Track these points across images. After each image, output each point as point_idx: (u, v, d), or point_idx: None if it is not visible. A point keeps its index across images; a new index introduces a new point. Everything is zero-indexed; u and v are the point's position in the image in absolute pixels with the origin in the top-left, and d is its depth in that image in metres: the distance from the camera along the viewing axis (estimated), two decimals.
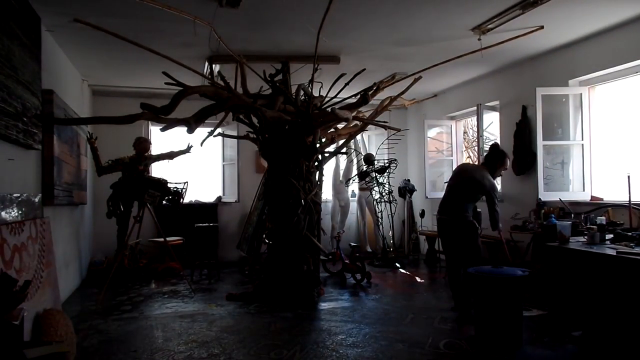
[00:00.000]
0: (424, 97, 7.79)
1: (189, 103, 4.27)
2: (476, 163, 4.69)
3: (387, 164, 7.38)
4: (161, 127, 3.96)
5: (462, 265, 4.21)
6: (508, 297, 3.49)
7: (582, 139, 5.26)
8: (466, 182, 4.30)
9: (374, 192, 7.61)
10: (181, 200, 5.91)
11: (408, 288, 5.64)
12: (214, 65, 5.45)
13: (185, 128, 4.03)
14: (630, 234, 3.70)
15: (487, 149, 4.69)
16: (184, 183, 5.95)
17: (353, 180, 7.88)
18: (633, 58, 4.50)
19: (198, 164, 8.05)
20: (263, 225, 6.47)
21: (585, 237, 3.77)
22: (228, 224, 7.73)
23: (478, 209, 5.90)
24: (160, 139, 7.34)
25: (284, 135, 5.07)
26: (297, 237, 5.02)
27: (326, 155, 5.65)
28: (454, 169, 5.48)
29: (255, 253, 6.57)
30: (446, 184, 4.67)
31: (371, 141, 8.77)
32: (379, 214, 7.52)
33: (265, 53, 5.31)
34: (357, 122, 5.68)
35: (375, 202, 7.58)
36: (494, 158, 4.40)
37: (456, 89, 7.30)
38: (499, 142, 6.42)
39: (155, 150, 6.50)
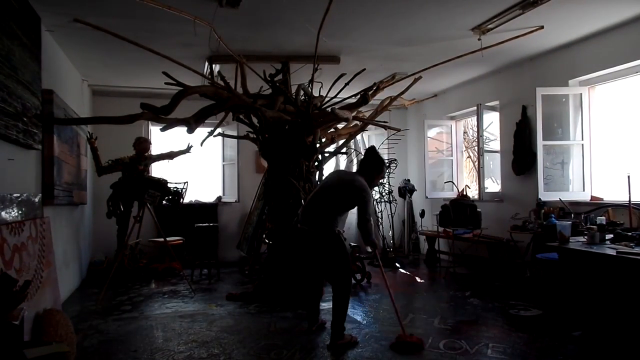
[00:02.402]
0: (424, 97, 7.78)
1: (189, 103, 4.27)
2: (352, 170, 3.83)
3: (387, 164, 7.39)
4: (161, 127, 3.96)
5: (333, 283, 3.65)
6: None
7: (582, 139, 5.26)
8: (342, 190, 3.58)
9: (374, 192, 7.62)
10: (181, 200, 5.92)
11: (408, 288, 5.64)
12: (214, 65, 5.45)
13: (185, 128, 4.03)
14: (630, 234, 3.69)
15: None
16: (184, 183, 5.95)
17: None
18: (633, 58, 4.50)
19: (198, 164, 8.05)
20: (263, 225, 6.47)
21: (585, 237, 3.77)
22: (228, 224, 7.73)
23: (478, 209, 5.96)
24: (160, 139, 7.34)
25: (284, 135, 5.07)
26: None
27: (326, 155, 5.65)
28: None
29: (255, 253, 6.57)
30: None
31: (371, 141, 8.75)
32: (379, 214, 7.53)
33: (265, 53, 5.31)
34: (357, 122, 5.68)
35: (375, 202, 7.59)
36: (372, 165, 3.71)
37: (456, 89, 7.31)
38: (499, 142, 6.44)
39: (155, 150, 6.50)
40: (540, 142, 5.23)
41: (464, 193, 6.66)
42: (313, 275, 3.85)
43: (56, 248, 4.14)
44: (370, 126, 6.25)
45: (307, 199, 3.76)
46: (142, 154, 5.87)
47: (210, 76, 5.43)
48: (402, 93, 5.71)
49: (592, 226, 3.85)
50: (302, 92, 5.18)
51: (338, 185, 3.64)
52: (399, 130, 6.17)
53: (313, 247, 3.64)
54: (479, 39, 4.73)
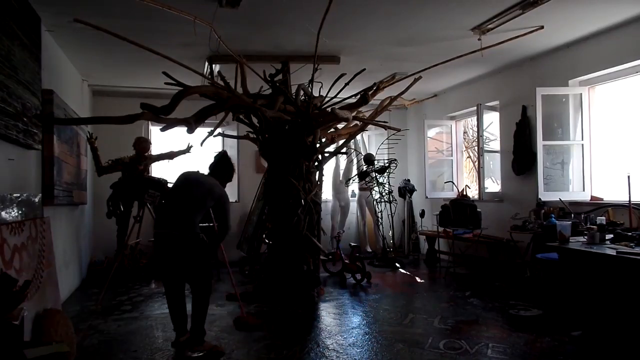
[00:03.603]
0: (424, 97, 7.78)
1: (189, 103, 4.27)
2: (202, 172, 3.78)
3: (387, 164, 7.39)
4: (161, 127, 3.95)
5: (192, 286, 3.52)
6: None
7: (582, 139, 5.26)
8: (200, 192, 3.50)
9: (374, 192, 7.62)
10: None
11: (408, 288, 5.64)
12: (214, 65, 5.44)
13: (185, 128, 4.03)
14: (630, 234, 3.70)
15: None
16: None
17: (353, 180, 7.88)
18: (633, 58, 4.50)
19: (198, 164, 8.03)
20: (263, 225, 6.46)
21: (585, 237, 3.77)
22: None
23: (478, 209, 5.96)
24: (160, 139, 7.34)
25: (284, 135, 5.07)
26: (297, 237, 5.02)
27: (326, 155, 5.65)
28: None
29: (255, 253, 6.56)
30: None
31: (371, 141, 8.77)
32: (379, 214, 7.53)
33: (265, 53, 5.31)
34: (357, 122, 5.67)
35: (375, 202, 7.59)
36: (223, 170, 3.79)
37: (456, 89, 7.30)
38: (499, 142, 6.44)
39: (155, 150, 6.50)
40: (540, 142, 5.23)
41: (464, 193, 6.66)
42: (174, 280, 3.55)
43: (56, 248, 4.14)
44: (370, 126, 6.25)
45: (163, 203, 3.58)
46: (142, 154, 5.86)
47: (210, 76, 5.43)
48: (402, 93, 5.70)
49: (592, 226, 3.85)
50: (302, 92, 5.18)
51: (197, 188, 3.53)
52: (399, 130, 6.17)
53: (174, 251, 3.40)
54: (479, 39, 4.73)
